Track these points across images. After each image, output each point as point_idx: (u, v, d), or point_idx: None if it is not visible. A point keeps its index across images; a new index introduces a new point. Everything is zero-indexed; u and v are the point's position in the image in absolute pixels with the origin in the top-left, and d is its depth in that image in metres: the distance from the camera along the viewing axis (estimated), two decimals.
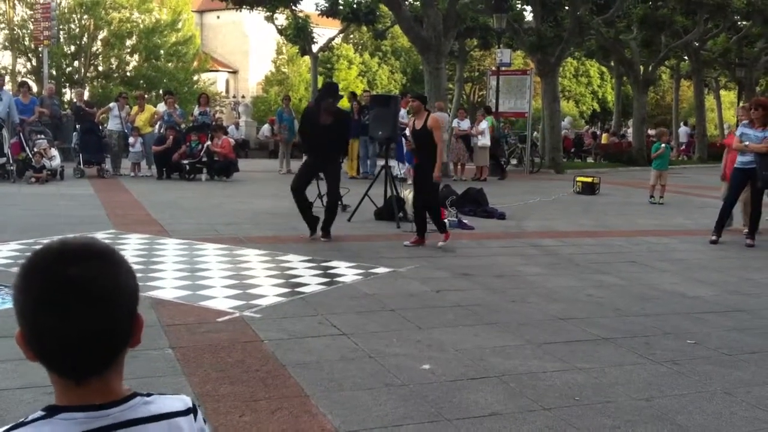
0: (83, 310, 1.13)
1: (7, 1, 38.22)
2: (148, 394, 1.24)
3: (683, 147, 36.40)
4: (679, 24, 29.27)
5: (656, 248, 9.75)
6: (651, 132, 31.76)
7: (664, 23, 27.86)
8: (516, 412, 3.96)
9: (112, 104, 17.76)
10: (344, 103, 19.14)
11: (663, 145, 15.48)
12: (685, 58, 35.67)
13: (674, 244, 10.22)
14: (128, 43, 41.36)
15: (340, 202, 11.37)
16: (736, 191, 10.16)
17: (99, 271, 1.16)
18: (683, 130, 37.17)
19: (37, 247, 1.21)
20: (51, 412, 1.18)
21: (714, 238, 10.18)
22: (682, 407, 4.13)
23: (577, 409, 4.05)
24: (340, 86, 48.28)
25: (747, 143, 9.83)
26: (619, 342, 5.31)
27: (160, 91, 23.85)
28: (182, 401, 1.29)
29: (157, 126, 17.51)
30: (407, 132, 17.26)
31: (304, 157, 9.98)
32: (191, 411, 1.29)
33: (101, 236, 8.73)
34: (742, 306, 6.69)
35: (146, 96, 21.17)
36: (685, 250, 9.73)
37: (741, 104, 18.56)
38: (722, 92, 45.68)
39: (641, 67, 30.22)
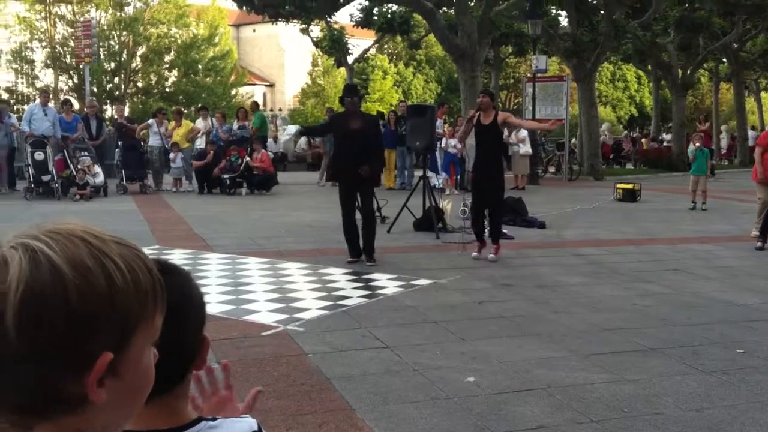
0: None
1: (48, 20, 39.05)
2: (213, 418, 1.21)
3: (725, 151, 35.73)
4: (717, 26, 28.84)
5: (700, 255, 9.61)
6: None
7: (702, 25, 27.49)
8: (563, 425, 3.94)
9: (150, 120, 18.02)
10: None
11: (693, 147, 14.97)
12: (724, 60, 35.11)
13: (718, 251, 10.06)
14: (167, 58, 41.96)
15: (378, 215, 11.39)
16: None
17: (174, 285, 1.15)
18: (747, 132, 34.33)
19: None
20: None
21: (760, 244, 10.00)
22: (733, 418, 4.07)
23: (626, 421, 4.01)
24: (375, 96, 48.11)
25: None
26: (666, 352, 5.25)
27: (199, 106, 24.07)
28: (248, 424, 1.24)
29: (197, 141, 17.70)
30: (450, 140, 17.28)
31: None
32: None
33: (146, 252, 8.84)
34: None
35: (184, 111, 21.40)
36: (731, 257, 9.57)
37: None
38: (763, 94, 44.90)
39: (679, 71, 29.83)
